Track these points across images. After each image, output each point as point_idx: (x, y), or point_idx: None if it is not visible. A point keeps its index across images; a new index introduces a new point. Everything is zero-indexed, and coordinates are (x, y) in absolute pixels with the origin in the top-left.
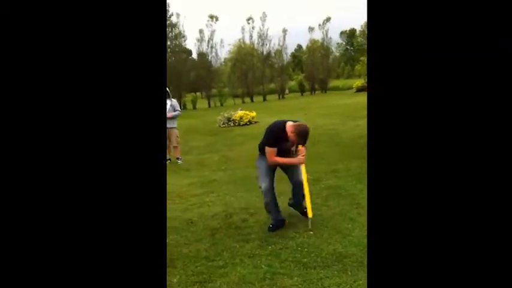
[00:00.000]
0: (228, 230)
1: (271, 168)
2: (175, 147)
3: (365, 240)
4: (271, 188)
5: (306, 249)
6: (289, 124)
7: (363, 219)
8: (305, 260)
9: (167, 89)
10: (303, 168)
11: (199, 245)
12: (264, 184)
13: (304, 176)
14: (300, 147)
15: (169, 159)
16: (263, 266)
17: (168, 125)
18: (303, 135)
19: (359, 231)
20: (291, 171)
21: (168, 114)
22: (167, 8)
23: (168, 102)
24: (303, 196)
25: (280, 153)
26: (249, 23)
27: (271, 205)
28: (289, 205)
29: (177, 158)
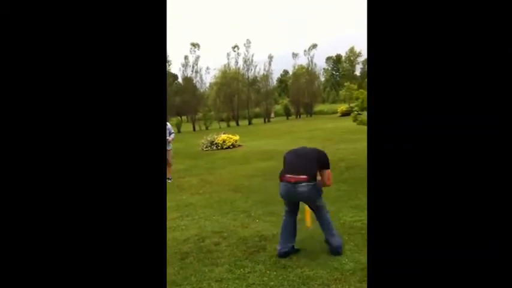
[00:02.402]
0: (199, 254)
1: None
2: (168, 166)
3: (333, 263)
4: None
5: (274, 273)
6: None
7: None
8: (272, 283)
9: None
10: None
11: (168, 269)
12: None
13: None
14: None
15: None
16: None
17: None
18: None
19: (327, 254)
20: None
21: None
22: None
23: None
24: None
25: None
26: (234, 50)
27: None
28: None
29: (168, 178)
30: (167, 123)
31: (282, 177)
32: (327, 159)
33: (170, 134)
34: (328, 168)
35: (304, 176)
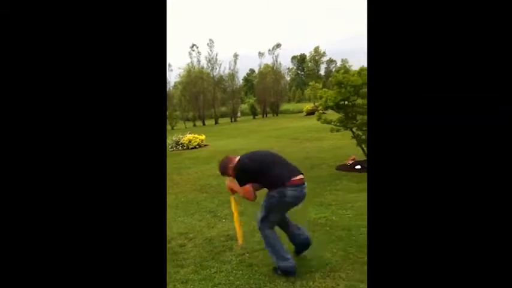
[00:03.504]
0: None
1: None
2: None
3: (299, 261)
4: None
5: (240, 272)
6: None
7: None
8: (238, 282)
9: None
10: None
11: None
12: None
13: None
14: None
15: None
16: None
17: None
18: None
19: (292, 252)
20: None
21: None
22: None
23: None
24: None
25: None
26: (193, 50)
27: None
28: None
29: None
30: None
31: (289, 182)
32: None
33: None
34: None
35: (302, 177)
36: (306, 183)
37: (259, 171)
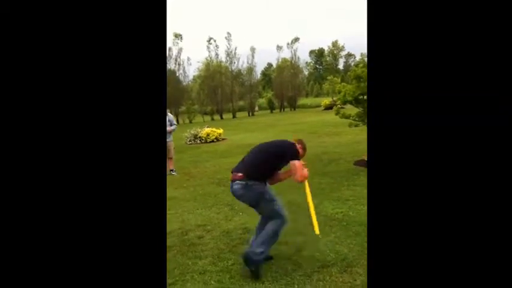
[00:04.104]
0: (182, 247)
1: None
2: (170, 158)
3: (316, 255)
4: None
5: None
6: (293, 140)
7: (315, 234)
8: (254, 275)
9: None
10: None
11: None
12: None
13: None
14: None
15: (172, 169)
16: (213, 282)
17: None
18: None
19: (310, 245)
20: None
21: (167, 129)
22: None
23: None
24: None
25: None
26: (210, 43)
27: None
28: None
29: (171, 170)
30: (169, 113)
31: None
32: (292, 150)
33: (171, 124)
34: (295, 159)
35: (240, 174)
36: (237, 181)
37: None
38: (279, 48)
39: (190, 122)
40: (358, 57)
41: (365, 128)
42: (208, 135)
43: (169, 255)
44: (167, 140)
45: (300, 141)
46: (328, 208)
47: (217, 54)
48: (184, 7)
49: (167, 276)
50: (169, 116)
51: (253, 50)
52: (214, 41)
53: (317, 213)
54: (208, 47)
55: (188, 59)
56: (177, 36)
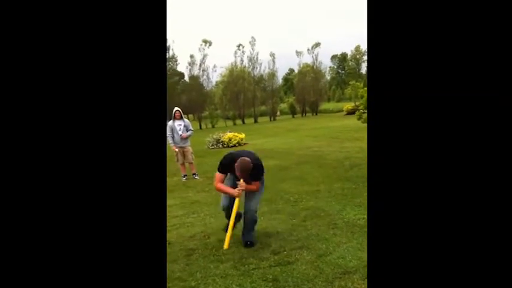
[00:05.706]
0: (205, 251)
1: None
2: (190, 163)
3: (338, 261)
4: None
5: (278, 269)
6: (239, 158)
7: (338, 240)
8: (275, 280)
9: (179, 110)
10: (236, 201)
11: (174, 266)
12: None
13: (234, 208)
14: (241, 180)
15: (186, 175)
16: (234, 286)
17: (183, 144)
18: (241, 169)
19: (332, 252)
20: (247, 198)
21: (183, 135)
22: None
23: (182, 122)
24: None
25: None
26: (239, 49)
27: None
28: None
29: (193, 174)
30: (186, 120)
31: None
32: (220, 163)
33: (188, 130)
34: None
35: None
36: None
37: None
38: (298, 53)
39: (213, 126)
40: None
41: None
42: (230, 139)
43: (191, 258)
44: (185, 144)
45: (238, 161)
46: (350, 214)
47: (242, 60)
48: (206, 15)
49: (190, 279)
50: (186, 122)
51: (272, 55)
52: (243, 47)
53: (340, 219)
54: (235, 53)
55: (214, 66)
56: (206, 42)
